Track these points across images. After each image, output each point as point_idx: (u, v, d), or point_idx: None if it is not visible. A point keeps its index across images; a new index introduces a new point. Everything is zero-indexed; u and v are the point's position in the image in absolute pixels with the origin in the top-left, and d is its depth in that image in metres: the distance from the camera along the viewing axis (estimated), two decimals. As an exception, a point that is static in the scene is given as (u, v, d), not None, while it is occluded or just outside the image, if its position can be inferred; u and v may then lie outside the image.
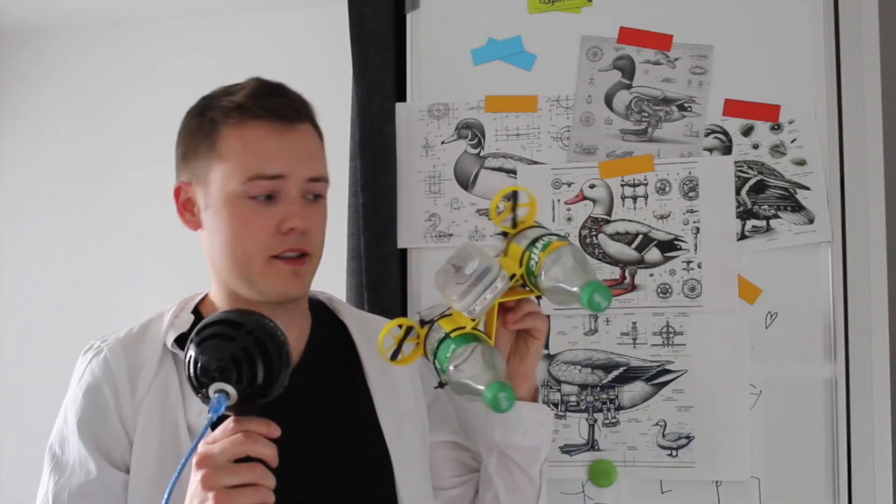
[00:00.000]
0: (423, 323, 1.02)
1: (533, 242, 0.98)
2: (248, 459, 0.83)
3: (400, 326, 1.02)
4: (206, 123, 1.07)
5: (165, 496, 0.78)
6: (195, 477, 0.82)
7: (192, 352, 0.85)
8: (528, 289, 1.00)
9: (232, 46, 2.52)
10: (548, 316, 1.09)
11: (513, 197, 1.03)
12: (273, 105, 1.05)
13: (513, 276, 0.98)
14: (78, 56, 2.68)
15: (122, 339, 1.06)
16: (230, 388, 0.82)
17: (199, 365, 0.83)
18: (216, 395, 0.82)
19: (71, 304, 2.60)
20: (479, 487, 1.17)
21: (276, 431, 0.85)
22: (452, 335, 0.97)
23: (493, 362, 0.95)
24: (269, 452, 0.84)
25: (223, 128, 1.05)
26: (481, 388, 0.92)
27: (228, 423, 0.84)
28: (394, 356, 1.01)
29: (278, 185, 1.03)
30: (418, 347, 1.02)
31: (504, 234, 1.03)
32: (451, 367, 0.95)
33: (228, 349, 0.83)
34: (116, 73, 2.64)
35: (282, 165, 1.03)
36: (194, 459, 0.85)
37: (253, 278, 1.04)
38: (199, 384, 0.84)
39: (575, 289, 0.93)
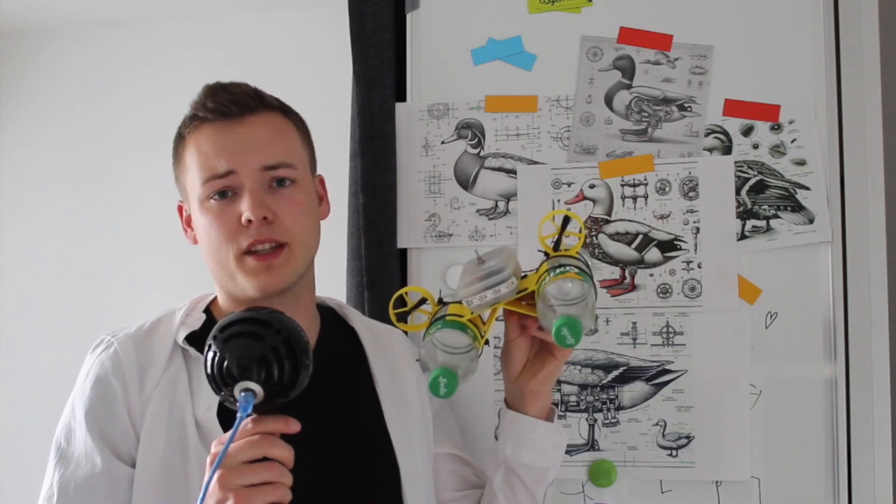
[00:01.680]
0: (440, 301, 1.05)
1: (557, 266, 0.98)
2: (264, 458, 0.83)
3: (411, 300, 1.07)
4: (177, 141, 1.11)
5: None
6: (212, 478, 0.81)
7: (216, 349, 0.84)
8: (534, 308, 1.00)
9: (232, 46, 2.53)
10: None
11: (563, 222, 1.03)
12: (213, 105, 1.06)
13: (523, 290, 0.99)
14: (78, 56, 2.68)
15: (132, 335, 1.07)
16: (257, 388, 0.82)
17: (225, 363, 0.82)
18: (243, 394, 0.82)
19: (71, 304, 2.60)
20: (481, 502, 1.17)
21: (294, 426, 0.85)
22: (448, 318, 0.99)
23: (456, 355, 0.96)
24: (286, 454, 0.84)
25: (186, 140, 1.09)
26: (433, 367, 0.96)
27: (247, 422, 0.84)
28: (402, 319, 1.05)
29: (231, 181, 1.04)
30: (426, 322, 1.03)
31: (546, 253, 1.04)
32: (427, 340, 0.98)
33: (259, 348, 0.82)
34: (117, 73, 2.65)
35: (228, 161, 1.04)
36: (208, 459, 0.85)
37: (232, 278, 1.05)
38: (224, 382, 0.83)
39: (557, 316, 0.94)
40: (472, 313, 0.99)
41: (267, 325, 0.84)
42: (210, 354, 0.84)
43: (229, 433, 0.82)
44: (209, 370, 0.84)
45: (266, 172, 1.05)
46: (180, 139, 1.10)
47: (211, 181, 1.04)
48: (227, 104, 1.06)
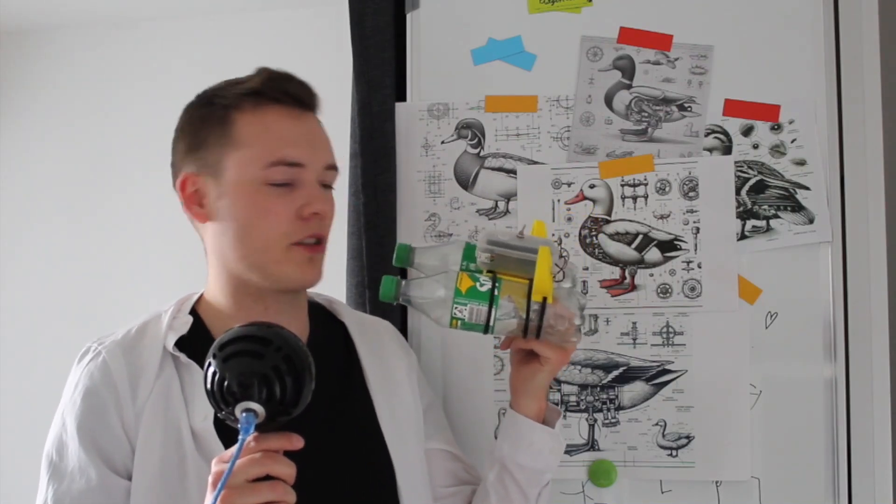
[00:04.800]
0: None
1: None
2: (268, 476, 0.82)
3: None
4: (217, 110, 1.05)
5: None
6: (217, 499, 0.80)
7: (216, 368, 0.82)
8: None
9: (232, 46, 2.53)
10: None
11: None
12: (291, 89, 1.05)
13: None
14: (78, 56, 2.68)
15: (119, 342, 1.04)
16: (258, 407, 0.81)
17: (225, 382, 0.81)
18: (244, 414, 0.80)
19: (72, 305, 2.60)
20: (473, 500, 1.16)
21: (298, 443, 0.84)
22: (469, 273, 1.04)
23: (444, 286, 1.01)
24: (289, 472, 0.83)
25: (237, 114, 1.04)
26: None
27: (249, 440, 0.82)
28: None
29: (298, 172, 1.03)
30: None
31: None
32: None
33: (259, 367, 0.81)
34: (117, 73, 2.65)
35: (301, 153, 1.04)
36: (210, 479, 0.84)
37: (269, 266, 1.03)
38: (225, 401, 0.82)
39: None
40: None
41: (267, 343, 0.82)
42: (210, 372, 0.82)
43: (232, 451, 0.80)
44: (209, 387, 0.82)
45: (325, 172, 1.07)
46: (224, 110, 1.04)
47: (278, 166, 1.02)
48: (304, 93, 1.06)
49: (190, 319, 1.07)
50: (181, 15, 2.59)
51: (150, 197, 2.46)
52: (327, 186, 1.09)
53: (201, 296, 1.12)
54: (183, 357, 1.03)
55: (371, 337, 1.18)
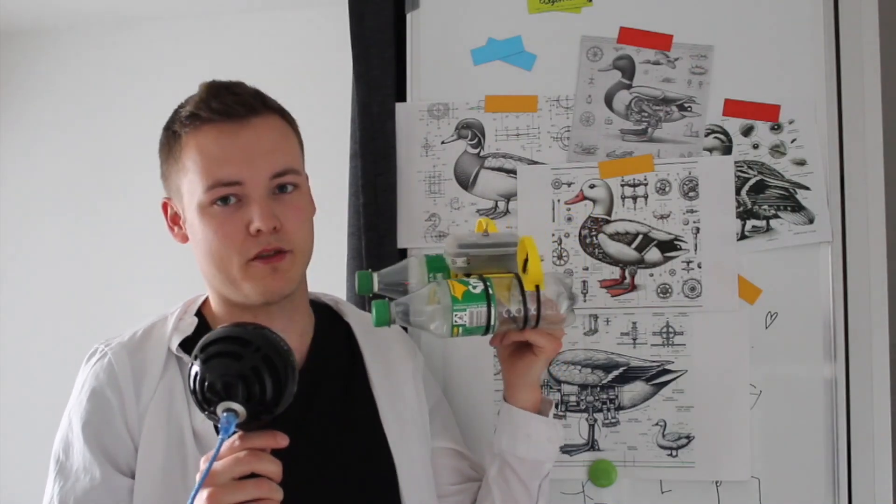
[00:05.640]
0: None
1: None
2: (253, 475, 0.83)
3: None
4: (170, 138, 1.07)
5: None
6: (195, 496, 0.81)
7: (197, 369, 0.83)
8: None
9: (232, 46, 2.53)
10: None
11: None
12: (219, 106, 1.03)
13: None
14: (78, 56, 2.68)
15: (125, 344, 1.06)
16: (239, 407, 0.81)
17: (206, 383, 0.82)
18: (225, 414, 0.81)
19: (74, 306, 2.60)
20: (478, 497, 1.17)
21: (283, 441, 0.85)
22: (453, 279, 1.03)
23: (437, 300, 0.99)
24: (274, 469, 0.83)
25: (184, 138, 1.04)
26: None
27: (234, 439, 0.84)
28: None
29: (240, 189, 1.01)
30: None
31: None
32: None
33: (237, 368, 0.82)
34: (117, 73, 2.65)
35: (237, 171, 1.01)
36: (197, 477, 0.84)
37: (235, 282, 1.03)
38: (206, 402, 0.82)
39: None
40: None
41: (247, 344, 0.83)
42: (192, 373, 0.83)
43: (213, 452, 0.82)
44: (192, 387, 0.83)
45: (274, 180, 1.03)
46: (175, 137, 1.06)
47: (216, 188, 1.01)
48: (233, 105, 1.03)
49: (195, 321, 1.08)
50: (181, 15, 2.59)
51: (151, 197, 2.46)
52: (286, 191, 1.05)
53: (207, 298, 1.13)
54: (186, 358, 1.03)
55: (376, 338, 1.18)
